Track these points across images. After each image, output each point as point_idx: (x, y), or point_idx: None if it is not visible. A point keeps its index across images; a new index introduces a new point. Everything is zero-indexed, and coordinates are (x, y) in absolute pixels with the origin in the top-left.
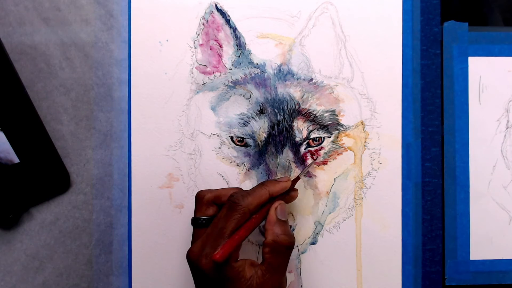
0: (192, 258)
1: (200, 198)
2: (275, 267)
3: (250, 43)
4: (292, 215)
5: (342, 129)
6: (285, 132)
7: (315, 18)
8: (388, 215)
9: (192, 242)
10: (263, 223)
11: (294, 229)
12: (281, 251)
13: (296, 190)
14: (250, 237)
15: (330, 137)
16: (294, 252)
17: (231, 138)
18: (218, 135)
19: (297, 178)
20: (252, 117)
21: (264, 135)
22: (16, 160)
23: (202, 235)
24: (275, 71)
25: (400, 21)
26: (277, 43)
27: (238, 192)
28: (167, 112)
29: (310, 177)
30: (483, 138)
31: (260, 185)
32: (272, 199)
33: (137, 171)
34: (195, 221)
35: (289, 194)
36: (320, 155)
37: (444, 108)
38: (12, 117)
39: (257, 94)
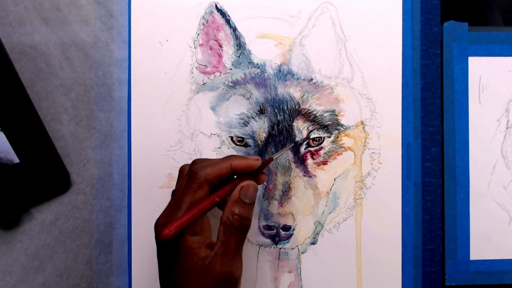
0: (155, 227)
1: (181, 171)
2: (227, 248)
3: (250, 43)
4: (292, 215)
5: (342, 129)
6: (285, 132)
7: (315, 18)
8: (388, 215)
9: None
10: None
11: (294, 229)
12: (233, 232)
13: (264, 173)
14: (250, 237)
15: (330, 137)
16: (294, 252)
17: (231, 138)
18: (218, 135)
19: (269, 160)
20: (252, 117)
21: (264, 135)
22: (16, 160)
23: None
24: (275, 71)
25: (400, 21)
26: (277, 43)
27: (199, 161)
28: (167, 112)
29: (310, 177)
30: (483, 138)
31: (225, 157)
32: (238, 176)
33: (137, 171)
34: (173, 193)
35: (257, 177)
36: (320, 155)
37: (444, 108)
38: (12, 117)
39: (257, 94)
